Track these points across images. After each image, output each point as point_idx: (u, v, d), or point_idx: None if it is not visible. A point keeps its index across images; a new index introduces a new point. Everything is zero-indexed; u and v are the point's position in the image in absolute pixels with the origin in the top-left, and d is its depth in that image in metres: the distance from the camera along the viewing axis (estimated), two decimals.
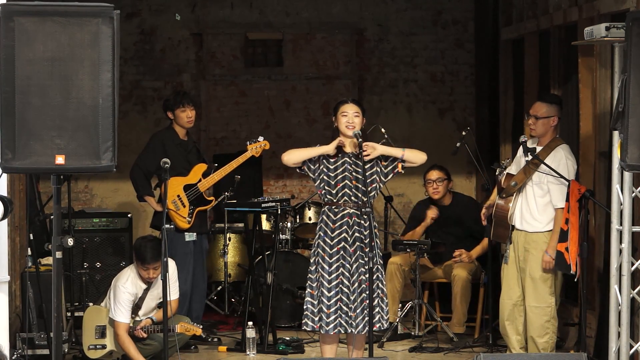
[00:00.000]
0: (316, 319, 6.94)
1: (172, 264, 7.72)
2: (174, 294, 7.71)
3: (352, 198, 6.90)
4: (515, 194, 7.53)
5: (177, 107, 8.46)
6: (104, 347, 7.75)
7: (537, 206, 7.43)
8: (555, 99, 7.65)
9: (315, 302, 6.94)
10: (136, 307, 7.76)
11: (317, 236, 6.97)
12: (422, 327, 8.83)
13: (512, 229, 7.57)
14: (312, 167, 6.96)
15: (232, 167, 8.42)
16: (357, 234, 6.89)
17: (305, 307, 6.98)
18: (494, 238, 7.87)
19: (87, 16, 4.97)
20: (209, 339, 8.64)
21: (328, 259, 6.90)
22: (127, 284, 7.69)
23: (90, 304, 8.45)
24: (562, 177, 7.23)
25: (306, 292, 6.99)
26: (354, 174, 6.90)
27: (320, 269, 6.92)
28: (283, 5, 11.37)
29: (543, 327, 7.45)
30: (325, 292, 6.90)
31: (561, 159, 7.34)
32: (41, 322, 7.33)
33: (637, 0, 6.97)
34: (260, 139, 8.53)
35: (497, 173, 7.77)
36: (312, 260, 6.99)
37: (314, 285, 6.95)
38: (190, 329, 7.70)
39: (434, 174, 9.06)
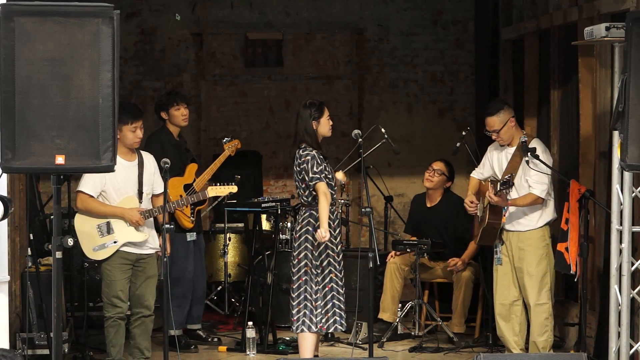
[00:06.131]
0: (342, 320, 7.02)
1: (150, 156, 7.60)
2: (159, 187, 7.53)
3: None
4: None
5: (172, 106, 8.47)
6: (115, 242, 7.35)
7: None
8: (499, 106, 7.59)
9: (336, 303, 6.97)
10: (140, 193, 7.46)
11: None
12: (422, 327, 8.82)
13: (501, 231, 7.58)
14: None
15: (217, 166, 8.45)
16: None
17: (332, 311, 7.00)
18: (480, 242, 7.84)
19: (87, 16, 4.97)
20: (209, 339, 8.65)
21: (337, 257, 6.94)
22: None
23: (91, 304, 8.45)
24: (561, 175, 7.23)
25: (331, 294, 7.01)
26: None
27: (333, 269, 6.93)
28: (283, 5, 11.36)
29: (542, 324, 7.45)
30: (340, 291, 6.98)
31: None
32: (41, 322, 7.33)
33: (637, 0, 6.97)
34: (231, 137, 8.56)
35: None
36: (325, 264, 6.99)
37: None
38: (223, 189, 7.69)
39: (436, 164, 9.12)
